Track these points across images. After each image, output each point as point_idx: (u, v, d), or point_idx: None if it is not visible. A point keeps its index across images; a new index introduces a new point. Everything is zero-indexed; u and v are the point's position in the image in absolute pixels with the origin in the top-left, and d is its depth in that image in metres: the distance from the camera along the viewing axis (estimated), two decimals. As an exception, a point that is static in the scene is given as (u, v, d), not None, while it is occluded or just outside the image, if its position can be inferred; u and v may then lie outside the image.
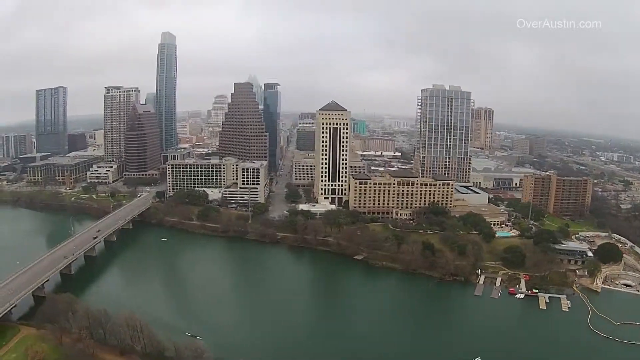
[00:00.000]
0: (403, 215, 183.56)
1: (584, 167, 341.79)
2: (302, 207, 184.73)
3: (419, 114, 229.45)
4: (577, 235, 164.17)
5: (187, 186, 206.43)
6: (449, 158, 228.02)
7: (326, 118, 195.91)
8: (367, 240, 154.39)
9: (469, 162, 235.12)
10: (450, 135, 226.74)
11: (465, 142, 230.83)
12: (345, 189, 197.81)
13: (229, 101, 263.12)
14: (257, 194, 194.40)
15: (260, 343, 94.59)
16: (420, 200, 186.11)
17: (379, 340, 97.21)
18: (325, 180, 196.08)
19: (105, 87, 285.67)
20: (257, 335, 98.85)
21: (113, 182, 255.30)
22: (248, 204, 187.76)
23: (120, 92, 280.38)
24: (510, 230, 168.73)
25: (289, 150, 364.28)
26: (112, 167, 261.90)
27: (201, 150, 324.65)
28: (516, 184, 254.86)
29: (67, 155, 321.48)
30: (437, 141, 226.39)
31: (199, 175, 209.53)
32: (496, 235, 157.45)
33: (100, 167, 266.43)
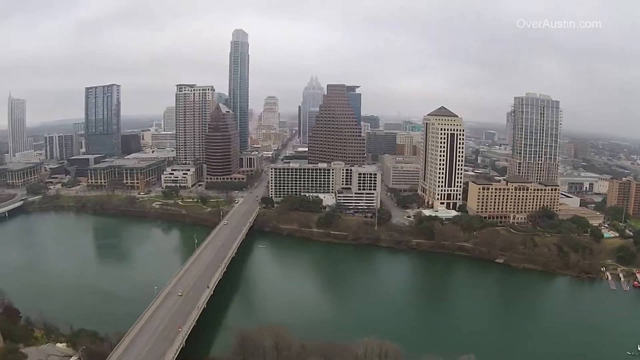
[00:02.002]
0: (519, 219, 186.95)
1: (627, 170, 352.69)
2: (426, 212, 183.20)
3: (513, 121, 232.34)
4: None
5: (292, 191, 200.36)
6: (541, 164, 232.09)
7: (442, 124, 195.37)
8: (504, 243, 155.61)
9: (557, 168, 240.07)
10: (542, 142, 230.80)
11: (554, 149, 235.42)
12: (459, 194, 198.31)
13: (321, 102, 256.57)
14: (373, 200, 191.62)
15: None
16: (532, 205, 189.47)
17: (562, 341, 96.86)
18: (442, 186, 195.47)
19: (177, 85, 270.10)
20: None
21: (192, 186, 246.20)
22: (366, 210, 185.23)
23: (194, 90, 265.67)
24: (609, 231, 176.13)
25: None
26: (189, 170, 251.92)
27: (266, 153, 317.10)
28: (586, 187, 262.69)
29: (127, 157, 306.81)
30: (531, 147, 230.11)
31: (305, 179, 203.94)
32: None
33: (175, 170, 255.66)
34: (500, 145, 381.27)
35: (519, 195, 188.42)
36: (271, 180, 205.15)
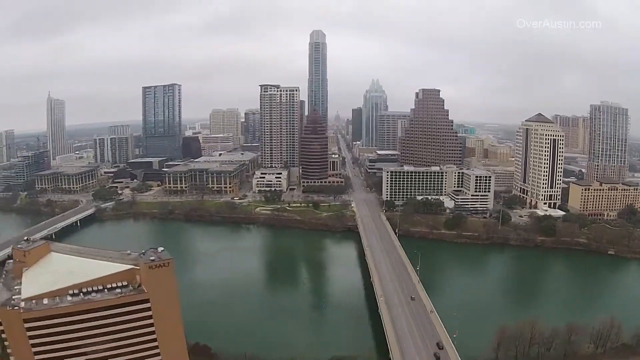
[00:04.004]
0: (611, 216, 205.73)
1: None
2: (539, 212, 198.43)
3: (589, 127, 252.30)
4: None
5: (406, 194, 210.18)
6: (613, 166, 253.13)
7: (545, 130, 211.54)
8: (611, 237, 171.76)
9: (626, 170, 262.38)
10: (614, 146, 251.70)
11: (623, 152, 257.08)
12: (559, 195, 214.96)
13: (416, 106, 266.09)
14: (487, 201, 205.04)
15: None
16: (620, 203, 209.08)
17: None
18: (546, 187, 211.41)
19: (261, 85, 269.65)
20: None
21: (286, 190, 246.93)
22: (480, 211, 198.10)
23: (280, 91, 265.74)
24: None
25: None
26: (280, 173, 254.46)
27: (334, 156, 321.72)
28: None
29: (197, 160, 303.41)
30: (605, 151, 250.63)
31: (419, 182, 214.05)
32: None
33: (265, 173, 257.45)
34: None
35: (611, 195, 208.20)
36: (386, 183, 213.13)
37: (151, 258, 69.14)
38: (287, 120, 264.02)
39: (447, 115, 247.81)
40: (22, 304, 65.22)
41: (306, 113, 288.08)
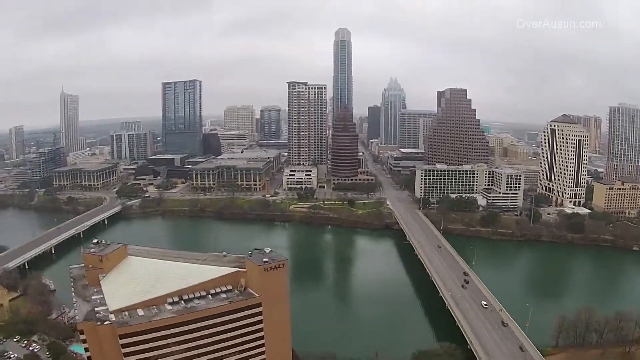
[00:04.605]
0: (632, 213, 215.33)
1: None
2: (567, 210, 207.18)
3: (609, 128, 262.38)
4: None
5: (439, 192, 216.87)
6: (631, 166, 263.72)
7: (571, 131, 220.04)
8: (636, 234, 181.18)
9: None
10: (632, 146, 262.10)
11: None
12: (583, 193, 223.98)
13: (443, 105, 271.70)
14: (517, 199, 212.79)
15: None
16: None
17: None
18: (572, 186, 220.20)
19: (288, 82, 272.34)
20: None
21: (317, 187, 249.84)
22: (511, 208, 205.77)
23: (308, 88, 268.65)
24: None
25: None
26: (310, 171, 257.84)
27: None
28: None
29: (220, 157, 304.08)
30: (624, 151, 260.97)
31: (451, 180, 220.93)
32: None
33: (294, 170, 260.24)
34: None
35: (632, 194, 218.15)
36: (420, 181, 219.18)
37: (264, 260, 65.23)
38: (315, 118, 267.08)
39: (475, 114, 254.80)
40: (112, 317, 57.49)
41: (326, 111, 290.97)
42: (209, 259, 74.79)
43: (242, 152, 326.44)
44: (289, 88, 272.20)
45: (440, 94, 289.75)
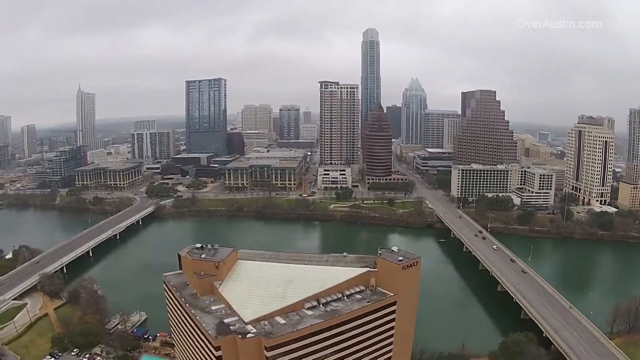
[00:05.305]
0: None
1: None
2: (596, 209, 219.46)
3: (628, 129, 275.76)
4: None
5: (475, 191, 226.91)
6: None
7: (599, 132, 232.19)
8: None
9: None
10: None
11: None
12: (609, 192, 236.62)
13: (473, 106, 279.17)
14: (548, 198, 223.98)
15: None
16: None
17: None
18: (598, 185, 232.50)
19: (320, 82, 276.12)
20: None
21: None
22: (544, 207, 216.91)
23: (340, 88, 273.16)
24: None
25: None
26: (344, 170, 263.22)
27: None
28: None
29: (248, 156, 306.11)
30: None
31: (486, 180, 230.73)
32: None
33: (328, 170, 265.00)
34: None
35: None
36: (458, 180, 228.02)
37: (399, 258, 65.82)
38: (347, 117, 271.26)
39: (504, 115, 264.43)
40: (251, 328, 52.98)
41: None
42: (330, 259, 73.45)
43: (267, 151, 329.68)
44: (320, 87, 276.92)
45: (465, 95, 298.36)
